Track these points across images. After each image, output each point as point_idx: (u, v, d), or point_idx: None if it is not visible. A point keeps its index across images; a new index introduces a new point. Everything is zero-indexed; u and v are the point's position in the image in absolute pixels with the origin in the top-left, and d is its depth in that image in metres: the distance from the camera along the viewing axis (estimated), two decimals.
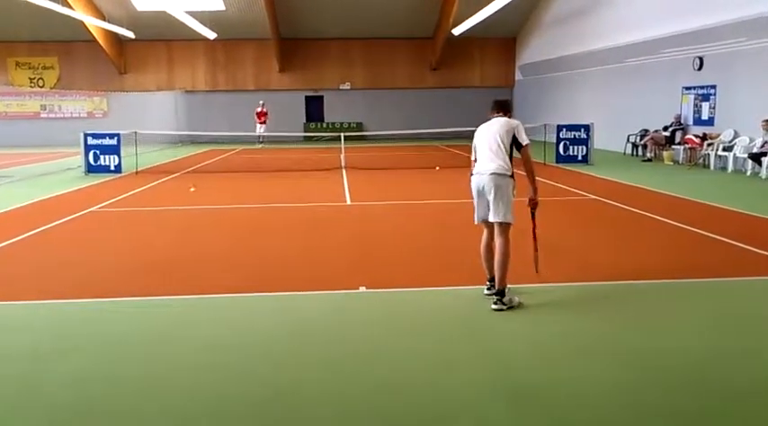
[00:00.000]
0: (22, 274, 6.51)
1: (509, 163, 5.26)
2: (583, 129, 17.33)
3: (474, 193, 5.37)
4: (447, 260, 6.94)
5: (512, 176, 5.26)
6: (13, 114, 30.94)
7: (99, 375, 4.00)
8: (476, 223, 5.45)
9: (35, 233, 8.41)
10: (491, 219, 5.26)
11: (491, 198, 5.20)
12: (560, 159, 17.19)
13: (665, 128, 17.98)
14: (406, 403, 3.58)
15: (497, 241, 5.25)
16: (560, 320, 4.95)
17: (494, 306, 5.06)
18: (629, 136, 19.87)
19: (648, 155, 18.11)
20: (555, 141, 17.44)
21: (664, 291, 5.76)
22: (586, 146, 17.25)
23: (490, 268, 5.34)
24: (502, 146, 5.24)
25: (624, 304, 5.38)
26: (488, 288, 5.38)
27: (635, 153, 19.42)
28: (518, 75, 31.67)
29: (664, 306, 5.33)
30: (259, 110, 27.53)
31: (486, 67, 32.08)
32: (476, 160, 5.44)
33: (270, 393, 3.72)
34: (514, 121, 5.49)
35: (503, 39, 31.33)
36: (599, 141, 18.45)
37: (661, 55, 18.80)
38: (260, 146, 26.56)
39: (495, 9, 20.78)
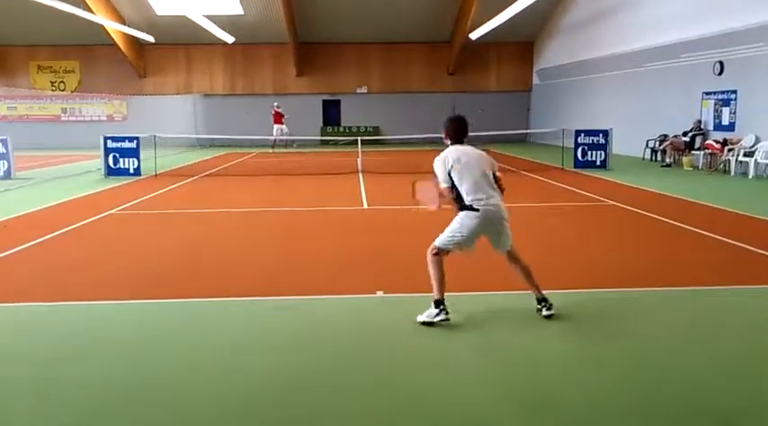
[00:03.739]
0: (43, 275, 6.57)
1: None
2: (601, 134, 17.21)
3: (480, 223, 5.01)
4: (466, 265, 6.90)
5: None
6: (34, 117, 31.35)
7: (121, 376, 4.03)
8: (451, 250, 5.17)
9: (57, 234, 8.50)
10: (502, 249, 5.21)
11: (502, 229, 5.14)
12: (578, 164, 17.08)
13: (685, 134, 17.82)
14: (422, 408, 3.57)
15: (518, 262, 5.24)
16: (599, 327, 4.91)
17: (547, 313, 5.02)
18: (647, 141, 19.70)
19: (668, 160, 17.94)
20: (573, 146, 17.33)
21: (689, 299, 5.70)
22: (605, 152, 17.13)
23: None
24: (491, 176, 5.15)
25: (651, 312, 5.33)
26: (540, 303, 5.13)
27: (654, 158, 19.26)
28: (535, 80, 31.56)
29: (691, 314, 5.27)
30: (273, 110, 27.57)
31: (503, 72, 32.01)
32: (461, 189, 5.06)
33: (287, 388, 3.73)
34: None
35: (520, 44, 31.25)
36: (617, 146, 18.31)
37: (681, 59, 18.64)
38: (272, 150, 26.61)
39: (513, 13, 20.75)
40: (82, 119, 31.39)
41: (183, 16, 23.78)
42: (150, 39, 27.06)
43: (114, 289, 5.99)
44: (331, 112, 32.27)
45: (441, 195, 5.11)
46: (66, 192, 12.94)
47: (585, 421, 3.43)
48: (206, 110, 30.91)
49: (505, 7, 20.39)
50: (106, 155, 16.32)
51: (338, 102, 32.01)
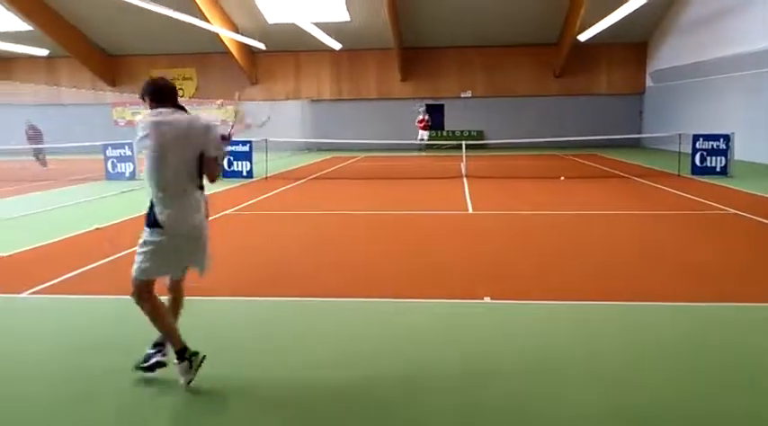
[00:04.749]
0: None
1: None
2: (722, 139, 16.23)
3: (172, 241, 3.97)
4: (576, 272, 6.71)
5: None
6: None
7: (229, 373, 4.20)
8: (148, 278, 4.00)
9: None
10: (201, 268, 4.18)
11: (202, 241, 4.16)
12: (696, 171, 16.21)
13: None
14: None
15: (179, 291, 4.27)
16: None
17: (162, 358, 4.08)
18: None
19: None
20: (690, 152, 16.47)
21: None
22: (725, 157, 16.15)
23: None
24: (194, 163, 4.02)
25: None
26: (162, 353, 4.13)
27: None
28: (648, 82, 30.23)
29: None
30: (421, 117, 27.78)
31: (614, 74, 30.88)
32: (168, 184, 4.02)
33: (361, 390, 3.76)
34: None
35: (632, 45, 30.04)
36: (741, 152, 17.24)
37: None
38: (423, 153, 26.83)
39: (626, 13, 19.98)
40: None
41: (293, 24, 24.53)
42: (261, 46, 28.11)
43: (227, 286, 6.26)
44: (434, 117, 32.33)
45: None
46: None
47: None
48: (313, 115, 31.75)
49: (617, 7, 19.67)
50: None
51: (441, 106, 32.01)
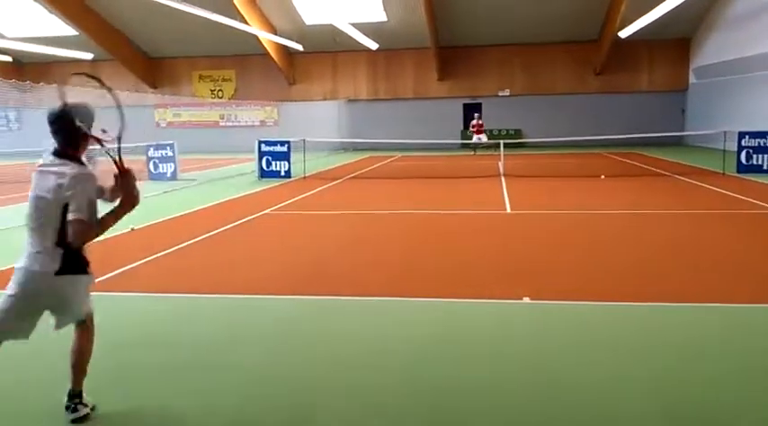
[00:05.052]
0: (204, 270, 7.08)
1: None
2: None
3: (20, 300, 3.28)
4: (615, 272, 6.61)
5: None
6: (195, 123, 33.88)
7: (270, 364, 4.25)
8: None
9: (217, 232, 9.13)
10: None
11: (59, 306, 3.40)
12: (742, 169, 15.79)
13: None
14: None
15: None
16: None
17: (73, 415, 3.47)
18: None
19: None
20: (736, 149, 16.06)
21: None
22: None
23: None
24: (54, 218, 3.24)
25: None
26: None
27: None
28: (692, 79, 29.57)
29: None
30: (474, 122, 27.75)
31: (656, 71, 30.30)
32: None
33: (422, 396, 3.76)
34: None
35: (675, 41, 29.42)
36: None
37: None
38: (473, 152, 26.77)
39: (668, 9, 19.56)
40: (238, 124, 33.52)
41: (330, 24, 24.68)
42: (299, 47, 28.34)
43: (270, 284, 6.33)
44: (472, 116, 32.16)
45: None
46: (225, 193, 13.87)
47: None
48: (350, 115, 31.88)
49: (659, 2, 19.26)
50: (260, 158, 17.30)
51: (479, 105, 31.82)
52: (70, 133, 3.29)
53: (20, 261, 3.28)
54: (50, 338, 3.54)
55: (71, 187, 3.16)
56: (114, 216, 3.34)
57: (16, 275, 3.27)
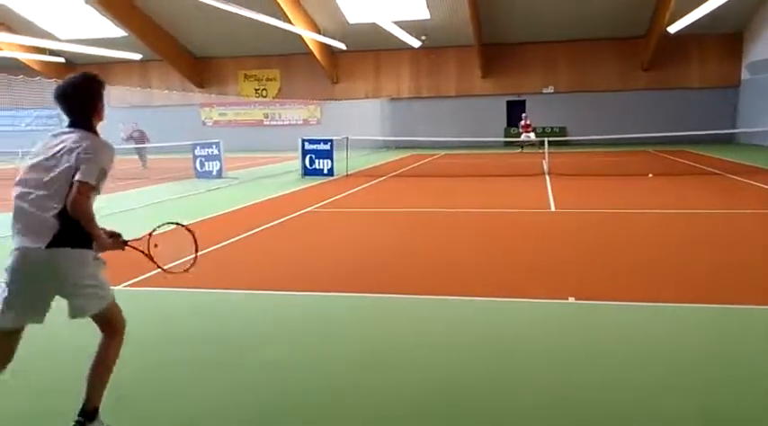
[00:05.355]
0: (248, 266, 7.18)
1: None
2: None
3: (17, 276, 3.03)
4: (666, 274, 6.45)
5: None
6: (240, 121, 34.39)
7: (297, 361, 4.28)
8: None
9: (261, 229, 9.25)
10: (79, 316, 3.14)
11: (64, 289, 3.09)
12: None
13: None
14: None
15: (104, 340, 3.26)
16: None
17: None
18: None
19: None
20: None
21: None
22: None
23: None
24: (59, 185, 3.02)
25: None
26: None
27: None
28: (745, 75, 28.68)
29: None
30: (523, 122, 27.66)
31: (707, 66, 29.50)
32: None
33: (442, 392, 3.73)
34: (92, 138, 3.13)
35: (726, 35, 28.61)
36: None
37: None
38: (520, 149, 26.66)
39: (719, 3, 19.00)
40: (281, 123, 33.90)
41: (373, 23, 24.73)
42: (342, 46, 28.48)
43: (313, 281, 6.37)
44: (516, 113, 31.83)
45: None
46: (268, 191, 14.04)
47: None
48: (392, 113, 31.91)
49: None
50: (303, 157, 17.46)
51: (523, 102, 31.48)
52: (95, 100, 3.17)
53: (13, 242, 3.02)
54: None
55: (88, 151, 3.01)
56: (97, 232, 3.10)
57: (9, 259, 3.01)
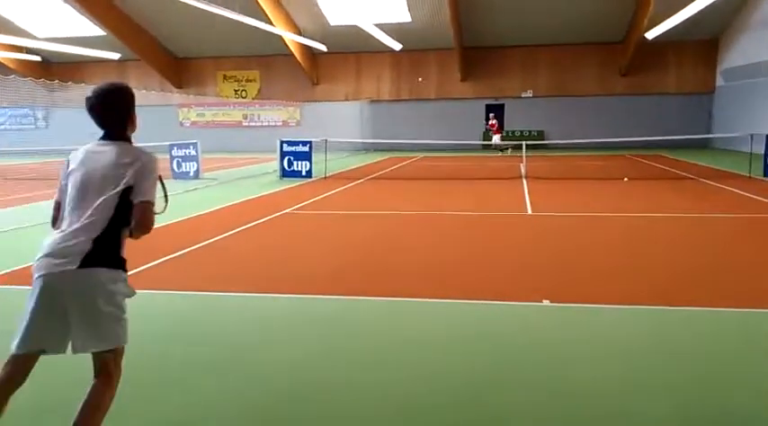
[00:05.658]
0: (224, 267, 7.12)
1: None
2: None
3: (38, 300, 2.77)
4: (635, 277, 6.52)
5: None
6: (219, 122, 34.18)
7: (310, 363, 4.26)
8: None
9: (238, 231, 9.17)
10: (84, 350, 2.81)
11: (85, 313, 2.76)
12: None
13: None
14: None
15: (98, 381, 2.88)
16: None
17: None
18: None
19: None
20: (763, 152, 15.79)
21: None
22: None
23: None
24: (109, 203, 2.84)
25: None
26: None
27: None
28: (719, 81, 29.15)
29: None
30: (490, 122, 27.77)
31: (683, 73, 29.94)
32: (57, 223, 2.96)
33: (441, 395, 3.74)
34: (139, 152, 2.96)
35: (702, 42, 29.05)
36: None
37: None
38: (500, 153, 26.76)
39: (696, 10, 19.29)
40: (260, 124, 33.75)
41: (354, 25, 24.74)
42: (323, 48, 28.44)
43: (286, 284, 6.34)
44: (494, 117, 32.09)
45: None
46: (246, 192, 13.97)
47: None
48: (372, 116, 31.93)
49: (686, 4, 19.00)
50: (282, 158, 17.39)
51: (502, 106, 31.68)
52: (128, 110, 3.02)
53: (40, 265, 2.77)
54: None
55: (140, 168, 2.86)
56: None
57: (37, 281, 2.77)
